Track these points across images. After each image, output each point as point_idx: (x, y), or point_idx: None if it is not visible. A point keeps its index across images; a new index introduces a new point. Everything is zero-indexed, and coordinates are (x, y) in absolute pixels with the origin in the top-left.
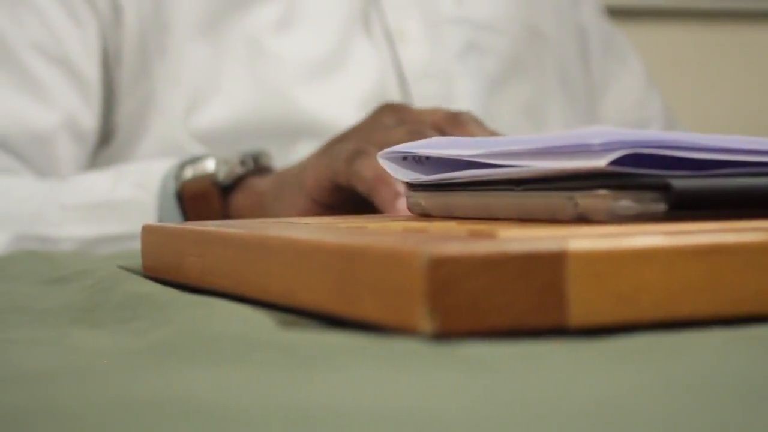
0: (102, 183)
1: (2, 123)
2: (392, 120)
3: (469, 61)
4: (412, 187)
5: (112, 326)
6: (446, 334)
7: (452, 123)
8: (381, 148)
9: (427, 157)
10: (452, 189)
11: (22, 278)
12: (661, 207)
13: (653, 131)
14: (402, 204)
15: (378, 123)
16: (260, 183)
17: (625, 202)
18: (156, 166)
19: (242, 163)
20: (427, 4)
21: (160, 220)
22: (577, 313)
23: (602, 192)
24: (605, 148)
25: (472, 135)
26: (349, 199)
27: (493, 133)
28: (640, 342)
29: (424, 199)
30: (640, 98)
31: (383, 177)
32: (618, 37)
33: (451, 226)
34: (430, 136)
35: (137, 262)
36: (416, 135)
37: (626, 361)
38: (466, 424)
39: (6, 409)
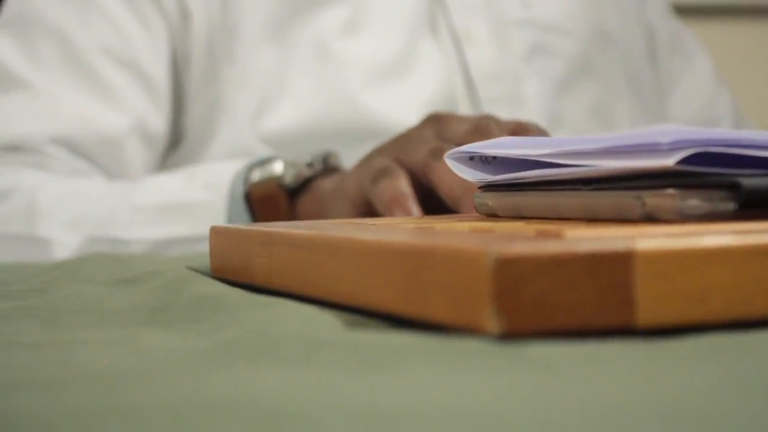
0: (172, 184)
1: (73, 126)
2: (431, 132)
3: (536, 63)
4: (480, 187)
5: (181, 327)
6: (513, 334)
7: (478, 136)
8: (405, 167)
9: (494, 157)
10: (519, 189)
11: (91, 279)
12: (730, 206)
13: (721, 129)
14: None
15: (416, 136)
16: (324, 185)
17: (694, 201)
18: (225, 167)
19: (309, 165)
20: (494, 6)
21: (229, 222)
22: (645, 313)
23: (670, 191)
24: (673, 147)
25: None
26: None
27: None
28: (709, 342)
29: (491, 200)
30: (709, 97)
31: (399, 200)
32: (686, 35)
33: (519, 226)
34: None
35: (205, 263)
36: (437, 153)
37: (695, 362)
38: (533, 425)
39: (76, 409)
